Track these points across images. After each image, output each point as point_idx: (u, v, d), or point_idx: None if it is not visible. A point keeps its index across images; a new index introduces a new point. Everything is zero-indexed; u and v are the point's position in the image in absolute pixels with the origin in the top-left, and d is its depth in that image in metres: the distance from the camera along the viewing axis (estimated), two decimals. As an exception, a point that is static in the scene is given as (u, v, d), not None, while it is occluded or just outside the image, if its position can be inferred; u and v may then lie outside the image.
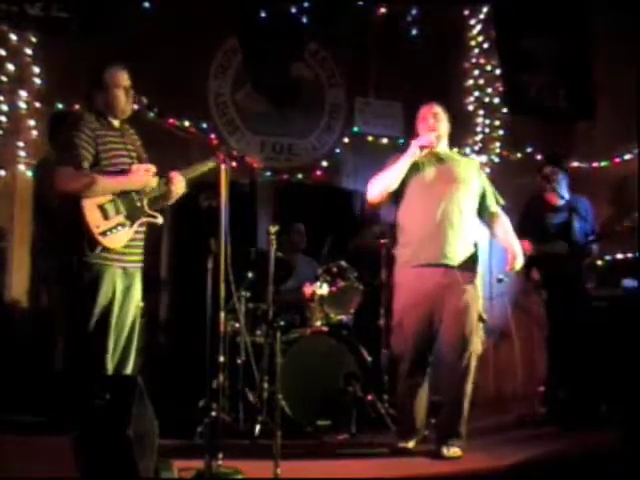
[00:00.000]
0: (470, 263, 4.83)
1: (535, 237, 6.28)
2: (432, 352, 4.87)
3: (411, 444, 4.88)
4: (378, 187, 4.85)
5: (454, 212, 4.78)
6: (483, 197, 5.01)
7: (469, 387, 4.74)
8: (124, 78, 4.26)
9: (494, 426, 5.33)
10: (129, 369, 4.15)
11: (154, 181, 4.22)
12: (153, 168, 4.22)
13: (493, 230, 5.07)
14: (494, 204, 5.05)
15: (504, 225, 5.06)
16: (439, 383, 4.93)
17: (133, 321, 4.20)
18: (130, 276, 4.18)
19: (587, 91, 7.91)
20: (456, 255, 4.77)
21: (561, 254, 6.09)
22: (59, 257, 4.16)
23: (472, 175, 4.98)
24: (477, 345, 4.76)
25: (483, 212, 5.02)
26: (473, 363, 4.74)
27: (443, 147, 5.05)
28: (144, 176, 4.16)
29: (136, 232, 4.18)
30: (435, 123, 4.96)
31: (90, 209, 3.97)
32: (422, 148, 4.83)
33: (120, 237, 4.07)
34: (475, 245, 4.91)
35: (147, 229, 4.30)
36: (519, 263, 4.92)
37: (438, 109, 5.01)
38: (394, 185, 4.82)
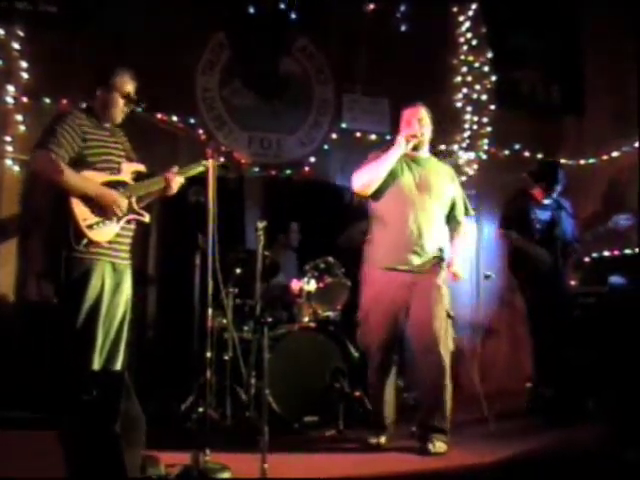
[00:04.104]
0: (437, 266, 4.89)
1: (519, 231, 6.30)
2: (397, 351, 5.02)
3: (383, 440, 4.95)
4: (365, 179, 4.91)
5: (424, 219, 4.87)
6: (453, 206, 5.10)
7: (447, 382, 4.78)
8: (130, 88, 4.27)
9: (480, 422, 5.34)
10: (118, 365, 4.15)
11: (121, 210, 4.19)
12: (124, 206, 4.19)
13: (452, 236, 5.12)
14: (461, 214, 5.15)
15: (462, 236, 5.15)
16: (417, 382, 4.98)
17: (123, 317, 4.20)
18: (120, 273, 4.19)
19: (578, 87, 7.93)
20: (423, 261, 4.86)
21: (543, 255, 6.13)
22: (50, 251, 4.17)
23: (446, 184, 5.06)
24: (448, 341, 4.81)
25: (450, 220, 5.11)
26: (446, 359, 4.78)
27: (424, 153, 5.13)
28: (116, 204, 4.12)
29: (123, 228, 4.18)
30: (420, 129, 5.01)
31: (78, 202, 3.98)
32: (408, 139, 4.89)
33: (106, 232, 4.08)
34: (442, 250, 4.94)
35: (136, 226, 4.31)
36: (458, 272, 4.95)
37: (423, 113, 5.06)
38: (381, 178, 4.87)
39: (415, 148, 5.00)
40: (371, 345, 4.99)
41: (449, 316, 4.83)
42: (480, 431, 5.25)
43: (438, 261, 4.89)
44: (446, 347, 4.78)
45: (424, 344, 4.80)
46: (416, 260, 4.84)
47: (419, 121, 5.01)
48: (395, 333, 4.92)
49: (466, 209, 5.19)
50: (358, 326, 5.10)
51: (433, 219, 4.91)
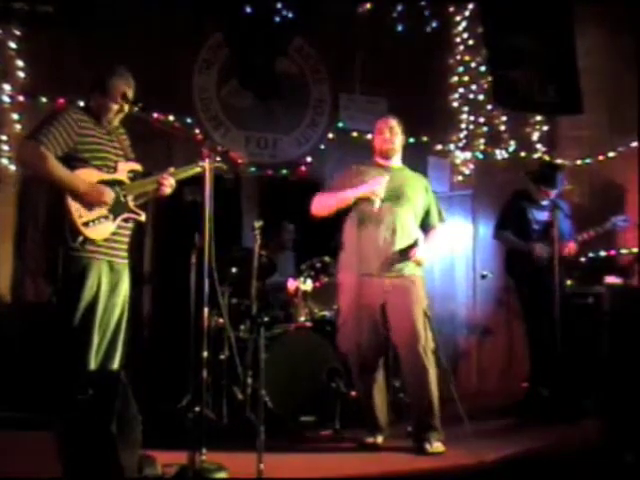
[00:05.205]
0: (411, 270, 4.93)
1: (517, 231, 6.31)
2: (383, 353, 5.08)
3: (379, 439, 4.98)
4: (320, 207, 5.13)
5: (395, 228, 4.92)
6: (427, 213, 5.17)
7: (432, 380, 4.80)
8: (125, 92, 4.25)
9: (476, 421, 5.34)
10: (115, 364, 4.15)
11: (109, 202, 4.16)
12: (110, 199, 4.16)
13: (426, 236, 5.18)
14: (436, 221, 5.21)
15: (435, 234, 5.20)
16: (404, 383, 5.07)
17: (120, 317, 4.19)
18: (117, 272, 4.18)
19: (574, 87, 7.92)
20: (395, 267, 4.90)
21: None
22: (47, 249, 4.17)
23: (418, 194, 5.11)
24: (428, 340, 4.83)
25: (425, 226, 5.17)
26: (429, 358, 4.81)
27: (396, 162, 5.19)
28: (99, 199, 4.09)
29: (119, 227, 4.18)
30: (391, 137, 5.10)
31: (74, 200, 3.99)
32: (370, 196, 4.92)
33: (102, 229, 4.08)
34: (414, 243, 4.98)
35: (134, 225, 4.31)
36: (419, 255, 4.94)
37: (394, 123, 5.15)
38: (332, 211, 5.06)
39: (387, 157, 5.11)
40: (351, 350, 5.01)
41: (426, 315, 4.85)
42: (476, 430, 5.23)
43: (412, 267, 4.93)
44: (427, 346, 4.81)
45: (405, 345, 4.85)
46: (388, 266, 4.88)
47: (390, 130, 5.11)
48: (376, 337, 4.95)
49: (440, 216, 5.25)
50: (337, 331, 5.15)
51: (404, 226, 4.95)
